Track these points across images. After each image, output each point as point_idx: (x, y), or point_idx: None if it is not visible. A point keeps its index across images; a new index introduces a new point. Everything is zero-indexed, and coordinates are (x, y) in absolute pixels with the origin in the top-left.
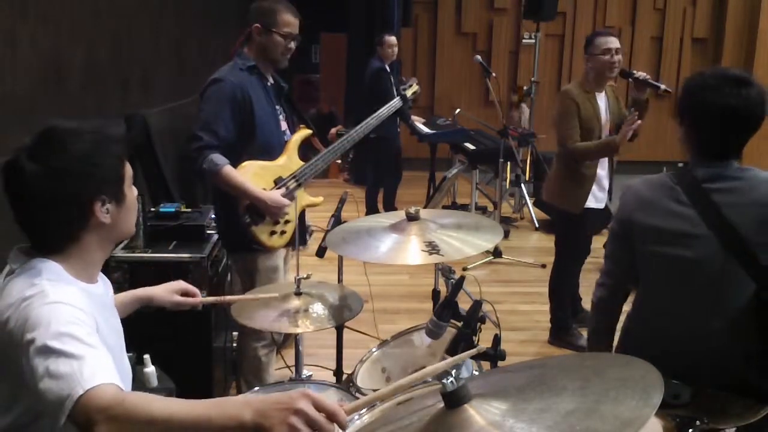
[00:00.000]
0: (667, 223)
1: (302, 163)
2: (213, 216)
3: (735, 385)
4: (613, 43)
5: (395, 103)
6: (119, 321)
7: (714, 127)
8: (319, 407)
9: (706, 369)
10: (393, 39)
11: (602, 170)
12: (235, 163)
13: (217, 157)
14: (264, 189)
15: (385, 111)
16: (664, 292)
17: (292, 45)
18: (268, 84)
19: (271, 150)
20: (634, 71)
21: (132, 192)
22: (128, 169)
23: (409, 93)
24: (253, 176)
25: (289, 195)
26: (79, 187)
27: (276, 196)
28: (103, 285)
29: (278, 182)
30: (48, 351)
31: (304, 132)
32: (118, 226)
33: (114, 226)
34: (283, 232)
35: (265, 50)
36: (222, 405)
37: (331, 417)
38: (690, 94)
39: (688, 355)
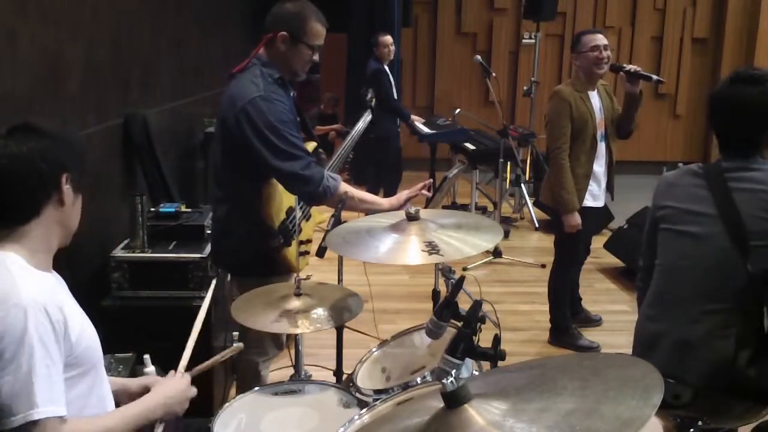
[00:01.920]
0: (684, 203)
1: None
2: (215, 240)
3: (733, 385)
4: (601, 39)
5: (367, 117)
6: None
7: (726, 121)
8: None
9: (704, 361)
10: (388, 38)
11: (599, 167)
12: (263, 181)
13: (333, 174)
14: (290, 206)
15: (358, 128)
16: (672, 268)
17: (316, 57)
18: (291, 95)
19: None
20: (625, 65)
21: (80, 199)
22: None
23: (372, 104)
24: (282, 193)
25: (306, 214)
26: (57, 153)
27: (402, 198)
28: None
29: (298, 200)
30: (10, 361)
31: (310, 145)
32: (71, 215)
33: (67, 212)
34: (306, 252)
35: (288, 60)
36: (142, 413)
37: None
38: (710, 92)
39: (686, 343)
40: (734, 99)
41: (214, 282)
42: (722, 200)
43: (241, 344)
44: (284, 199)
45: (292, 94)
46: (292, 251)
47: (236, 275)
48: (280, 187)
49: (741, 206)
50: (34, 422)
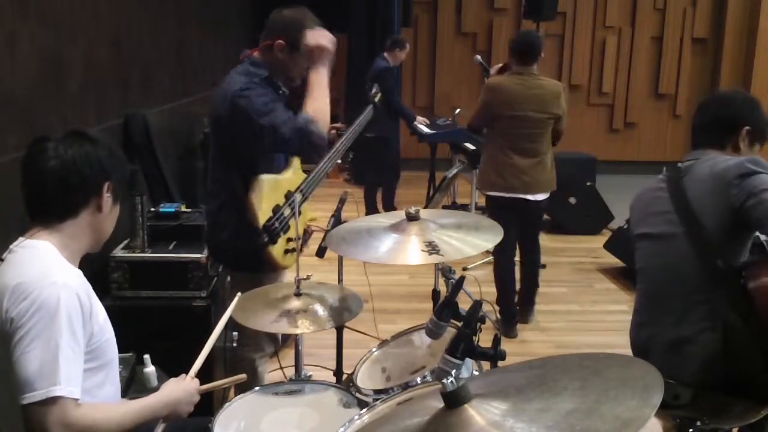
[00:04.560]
0: (650, 207)
1: (304, 175)
2: (209, 232)
3: (731, 382)
4: None
5: (368, 112)
6: None
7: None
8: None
9: (696, 357)
10: (408, 47)
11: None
12: (251, 176)
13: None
14: (277, 204)
15: (359, 122)
16: (646, 270)
17: None
18: (281, 92)
19: (279, 162)
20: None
21: (118, 208)
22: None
23: (376, 99)
24: (269, 191)
25: (295, 210)
26: (102, 161)
27: None
28: None
29: (288, 197)
30: (40, 334)
31: None
32: (106, 222)
33: (103, 219)
34: (293, 250)
35: (285, 67)
36: (151, 408)
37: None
38: None
39: (676, 343)
40: (699, 106)
41: (238, 296)
42: (678, 198)
43: (244, 375)
44: (272, 196)
45: (282, 92)
46: (278, 249)
47: (228, 267)
48: (267, 184)
49: (692, 199)
50: (54, 398)
